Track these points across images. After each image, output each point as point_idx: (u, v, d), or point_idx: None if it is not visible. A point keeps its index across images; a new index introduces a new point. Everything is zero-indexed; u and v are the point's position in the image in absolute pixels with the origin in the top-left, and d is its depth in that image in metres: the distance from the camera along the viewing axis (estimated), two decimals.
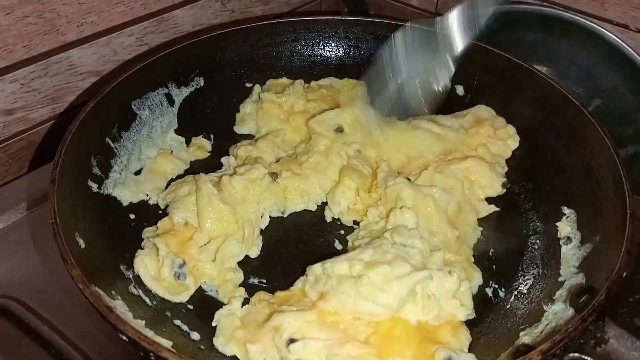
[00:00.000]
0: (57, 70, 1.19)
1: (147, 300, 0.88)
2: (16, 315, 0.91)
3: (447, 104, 1.19)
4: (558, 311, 0.81)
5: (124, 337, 0.69)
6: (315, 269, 0.87)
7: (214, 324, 0.87)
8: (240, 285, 0.94)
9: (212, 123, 1.23)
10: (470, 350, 0.82)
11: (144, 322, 0.80)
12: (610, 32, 1.23)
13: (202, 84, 1.23)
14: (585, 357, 0.72)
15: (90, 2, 1.17)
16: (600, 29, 1.23)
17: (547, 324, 0.80)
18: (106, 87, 1.04)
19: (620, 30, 1.27)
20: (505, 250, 0.99)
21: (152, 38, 1.33)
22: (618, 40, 1.22)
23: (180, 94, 1.20)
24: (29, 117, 1.19)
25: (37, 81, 1.17)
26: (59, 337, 0.88)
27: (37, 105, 1.19)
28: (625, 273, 0.76)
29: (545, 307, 0.83)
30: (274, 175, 1.06)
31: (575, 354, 0.71)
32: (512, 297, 0.91)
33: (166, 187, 1.09)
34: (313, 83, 1.27)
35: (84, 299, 0.74)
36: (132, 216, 1.02)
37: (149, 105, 1.14)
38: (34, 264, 0.99)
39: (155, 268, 0.91)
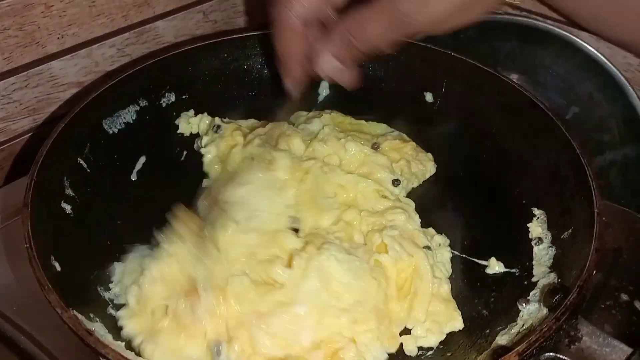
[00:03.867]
0: (38, 81, 1.21)
1: None
2: None
3: (417, 111, 1.23)
4: (533, 311, 0.83)
5: None
6: None
7: None
8: None
9: (184, 139, 1.23)
10: (449, 352, 0.85)
11: (124, 343, 0.81)
12: (586, 41, 1.26)
13: (173, 100, 1.22)
14: (561, 356, 0.74)
15: (71, 14, 1.19)
16: (575, 38, 1.26)
17: (523, 325, 0.82)
18: (76, 107, 1.04)
19: (597, 38, 1.30)
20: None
21: (134, 49, 1.35)
22: (592, 49, 1.25)
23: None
24: (10, 128, 1.21)
25: (18, 93, 1.19)
26: (36, 347, 0.88)
27: (18, 117, 1.21)
28: (595, 271, 0.77)
29: (520, 308, 0.85)
30: None
31: (551, 353, 0.73)
32: (489, 299, 0.93)
33: None
34: None
35: None
36: (108, 240, 1.02)
37: (120, 123, 1.14)
38: (12, 274, 1.00)
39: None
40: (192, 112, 1.23)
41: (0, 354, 0.88)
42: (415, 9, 0.78)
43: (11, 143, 1.23)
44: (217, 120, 1.20)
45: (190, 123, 1.22)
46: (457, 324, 0.89)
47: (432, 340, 0.88)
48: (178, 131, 1.22)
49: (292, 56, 0.90)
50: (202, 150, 1.16)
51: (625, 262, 1.02)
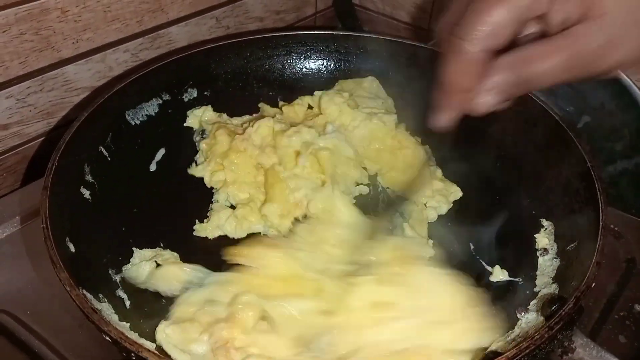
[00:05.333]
0: (52, 85, 1.25)
1: (128, 304, 0.94)
2: (7, 329, 0.94)
3: None
4: (531, 320, 0.86)
5: (107, 338, 0.74)
6: None
7: None
8: None
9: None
10: None
11: (129, 324, 0.85)
12: None
13: (195, 95, 1.29)
14: None
15: (86, 19, 1.23)
16: None
17: (519, 332, 0.84)
18: (100, 98, 1.10)
19: None
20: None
21: (148, 54, 1.39)
22: None
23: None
24: (24, 131, 1.25)
25: (32, 96, 1.22)
26: (50, 350, 0.91)
27: (33, 120, 1.25)
28: (593, 284, 0.80)
29: (519, 316, 0.88)
30: None
31: None
32: (490, 306, 0.94)
33: None
34: None
35: (75, 312, 0.78)
36: (123, 227, 1.07)
37: (142, 115, 1.20)
38: (27, 277, 1.03)
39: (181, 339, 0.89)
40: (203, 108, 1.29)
41: (15, 358, 0.91)
42: (608, 46, 0.68)
43: (25, 146, 1.27)
44: (204, 124, 1.26)
45: (196, 116, 1.28)
46: (458, 193, 1.16)
47: (444, 208, 1.14)
48: (185, 124, 1.28)
49: (459, 91, 0.77)
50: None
51: (638, 272, 1.06)
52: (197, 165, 1.21)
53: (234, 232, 1.10)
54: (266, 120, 1.20)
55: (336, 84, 1.34)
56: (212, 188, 1.17)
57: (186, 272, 0.99)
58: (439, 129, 0.81)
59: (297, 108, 1.30)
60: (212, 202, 1.14)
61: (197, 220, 1.11)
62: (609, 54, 0.68)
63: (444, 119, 0.80)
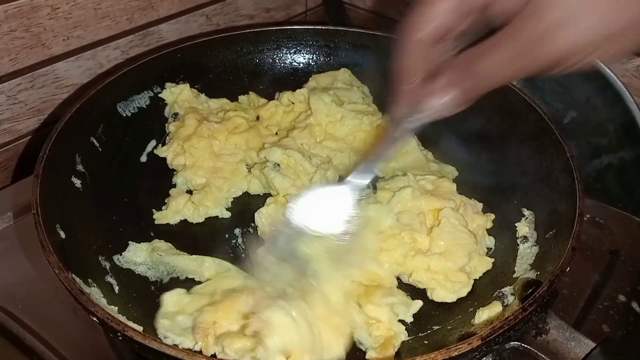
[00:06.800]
0: (43, 82, 1.28)
1: (117, 289, 0.97)
2: (0, 323, 0.96)
3: None
4: (509, 304, 0.90)
5: (94, 318, 0.77)
6: None
7: None
8: None
9: None
10: (423, 338, 0.92)
11: (116, 308, 0.89)
12: None
13: None
14: (525, 346, 0.80)
15: (77, 16, 1.26)
16: None
17: (498, 317, 0.88)
18: (92, 90, 1.14)
19: None
20: None
21: (138, 51, 1.42)
22: None
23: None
24: (15, 128, 1.28)
25: (23, 93, 1.26)
26: (42, 344, 0.93)
27: (24, 117, 1.28)
28: (568, 268, 0.83)
29: (498, 300, 0.91)
30: None
31: (516, 343, 0.79)
32: (471, 291, 0.99)
33: None
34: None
35: (68, 305, 0.82)
36: (113, 215, 1.10)
37: (133, 107, 1.24)
38: (20, 272, 1.05)
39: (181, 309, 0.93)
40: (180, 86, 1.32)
41: (6, 352, 0.94)
42: (552, 31, 0.65)
43: (16, 143, 1.31)
44: (178, 105, 1.28)
45: (172, 93, 1.30)
46: (454, 173, 1.21)
47: None
48: (160, 94, 1.30)
49: (408, 76, 0.81)
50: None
51: (622, 263, 1.10)
52: (162, 145, 1.24)
53: (192, 217, 1.14)
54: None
55: (310, 79, 1.38)
56: (173, 170, 1.21)
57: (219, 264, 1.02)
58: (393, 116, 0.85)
59: (278, 109, 1.33)
60: (171, 188, 1.18)
61: (153, 210, 1.14)
62: (558, 35, 0.65)
63: (397, 107, 0.84)
